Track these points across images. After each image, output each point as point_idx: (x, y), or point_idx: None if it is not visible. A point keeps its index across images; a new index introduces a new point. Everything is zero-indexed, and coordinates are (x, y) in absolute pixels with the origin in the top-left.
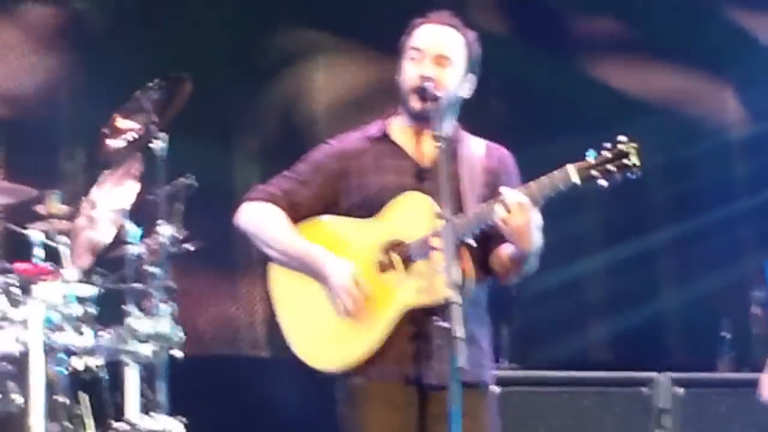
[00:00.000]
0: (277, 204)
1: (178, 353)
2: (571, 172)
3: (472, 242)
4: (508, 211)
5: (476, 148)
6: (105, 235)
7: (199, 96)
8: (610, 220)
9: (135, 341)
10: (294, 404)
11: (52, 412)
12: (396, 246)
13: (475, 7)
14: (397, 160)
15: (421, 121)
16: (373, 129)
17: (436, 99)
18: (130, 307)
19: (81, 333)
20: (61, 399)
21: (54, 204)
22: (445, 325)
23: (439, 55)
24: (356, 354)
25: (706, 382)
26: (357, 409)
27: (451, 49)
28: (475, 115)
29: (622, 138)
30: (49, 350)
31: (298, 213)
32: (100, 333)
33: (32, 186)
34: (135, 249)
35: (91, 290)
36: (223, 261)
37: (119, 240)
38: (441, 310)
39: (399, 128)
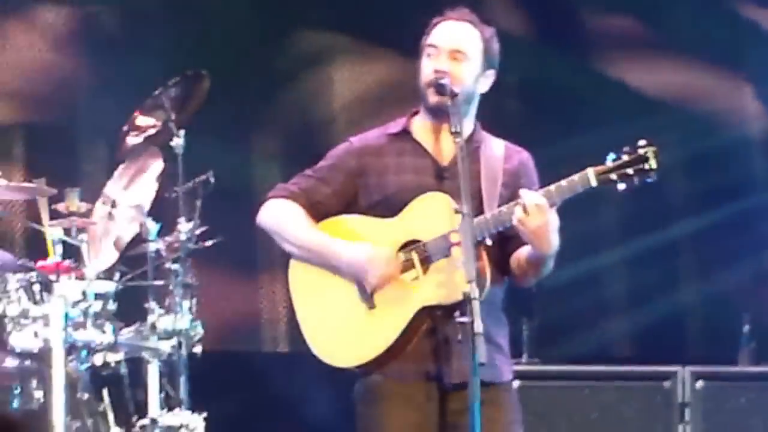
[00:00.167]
0: (297, 201)
1: (198, 349)
2: (591, 176)
3: (489, 242)
4: (526, 213)
5: (496, 149)
6: (127, 232)
7: (218, 94)
8: (630, 215)
9: (155, 338)
10: (314, 400)
11: (73, 408)
12: (415, 245)
13: (493, 6)
14: (417, 158)
15: (439, 115)
16: (394, 126)
17: (454, 95)
18: (151, 304)
19: (102, 330)
20: (82, 396)
21: (73, 201)
22: (464, 320)
23: (454, 50)
24: (373, 352)
25: (726, 375)
26: (376, 407)
27: (467, 44)
28: (492, 115)
29: (641, 142)
30: (70, 347)
31: (318, 211)
32: (120, 330)
33: (52, 184)
34: (155, 245)
35: (111, 287)
36: (242, 257)
37: (139, 237)
38: (460, 306)
39: (420, 126)
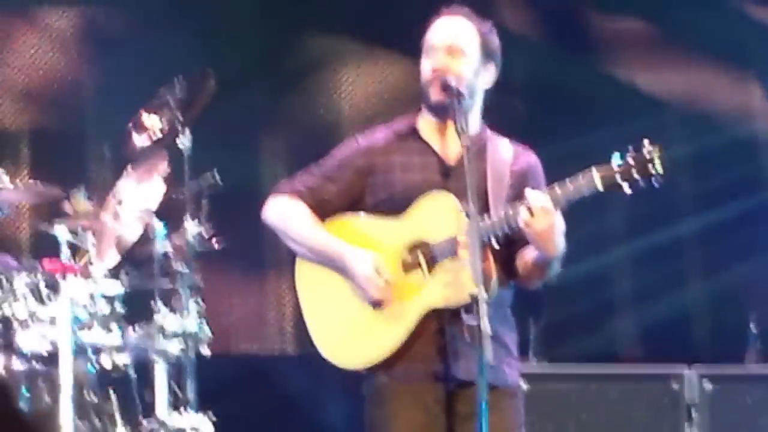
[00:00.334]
0: (303, 200)
1: (206, 350)
2: (596, 179)
3: (495, 244)
4: (532, 215)
5: (504, 149)
6: (131, 233)
7: (226, 95)
8: (636, 215)
9: (162, 339)
10: (321, 401)
11: (81, 410)
12: (421, 246)
13: (502, 7)
14: (423, 157)
15: (441, 114)
16: (401, 124)
17: (460, 95)
18: (158, 305)
19: (109, 331)
20: (89, 397)
21: (80, 202)
22: (472, 322)
23: (450, 46)
24: (379, 353)
25: (734, 375)
26: (383, 408)
27: (462, 40)
28: (499, 115)
29: (646, 142)
30: (78, 348)
31: (323, 209)
32: (127, 331)
33: (58, 185)
34: (162, 247)
35: (118, 288)
36: (249, 258)
37: (146, 238)
38: (467, 307)
39: (426, 124)
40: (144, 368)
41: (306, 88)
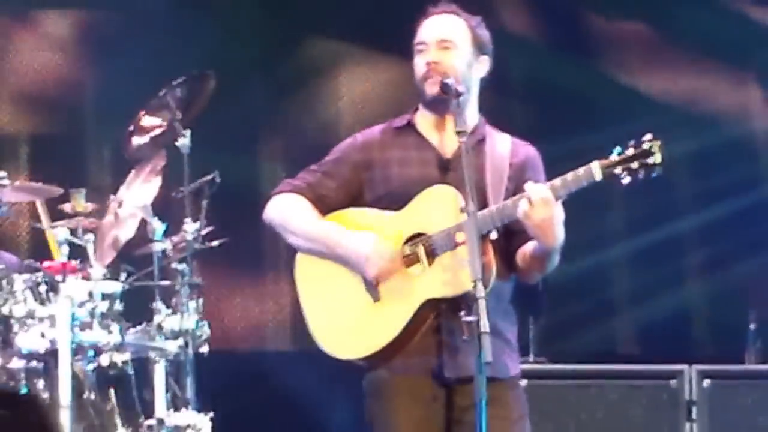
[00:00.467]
0: (304, 195)
1: (205, 349)
2: (595, 170)
3: (494, 236)
4: (532, 206)
5: (503, 143)
6: (125, 231)
7: (225, 97)
8: (636, 213)
9: (162, 337)
10: (320, 399)
11: (80, 409)
12: (420, 238)
13: (502, 9)
14: (421, 151)
15: (439, 109)
16: (399, 120)
17: (459, 94)
18: (157, 304)
19: (108, 330)
20: (88, 396)
21: (79, 202)
22: (471, 319)
23: (441, 41)
24: (377, 344)
25: (733, 374)
26: (383, 402)
27: (452, 33)
28: (499, 117)
29: (647, 136)
30: (77, 347)
31: (324, 204)
32: (127, 330)
33: (57, 185)
34: (161, 246)
35: (117, 287)
36: (248, 257)
37: (145, 237)
38: (466, 304)
39: (423, 119)
40: (143, 367)
41: (305, 89)
